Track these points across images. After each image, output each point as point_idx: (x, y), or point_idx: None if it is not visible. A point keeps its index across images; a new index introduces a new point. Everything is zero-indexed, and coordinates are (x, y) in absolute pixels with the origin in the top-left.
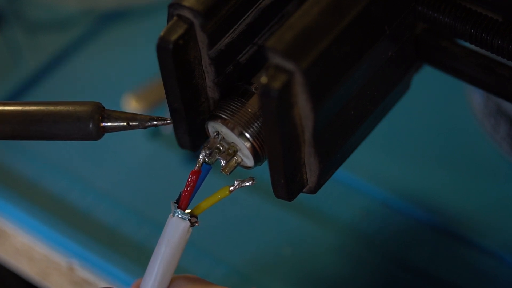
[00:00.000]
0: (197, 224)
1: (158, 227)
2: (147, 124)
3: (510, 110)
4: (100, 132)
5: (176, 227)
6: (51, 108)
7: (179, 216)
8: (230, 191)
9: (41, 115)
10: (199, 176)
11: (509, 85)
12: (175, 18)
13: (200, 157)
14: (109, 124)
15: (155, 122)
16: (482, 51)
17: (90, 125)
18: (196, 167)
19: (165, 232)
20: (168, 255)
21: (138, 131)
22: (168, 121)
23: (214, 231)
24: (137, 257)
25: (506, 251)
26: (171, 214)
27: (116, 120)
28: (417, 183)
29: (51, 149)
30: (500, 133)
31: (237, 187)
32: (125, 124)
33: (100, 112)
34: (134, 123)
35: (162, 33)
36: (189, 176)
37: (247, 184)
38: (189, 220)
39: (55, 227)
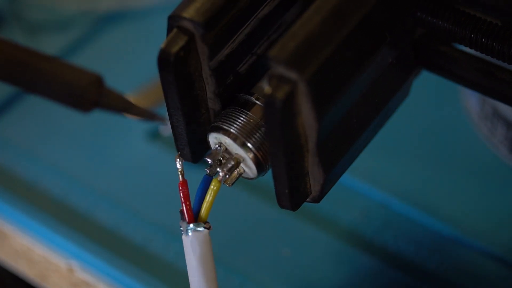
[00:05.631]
0: (211, 229)
1: (158, 229)
2: (143, 118)
3: (507, 113)
4: (90, 106)
5: (199, 242)
6: (49, 65)
7: (195, 230)
8: (220, 181)
9: (42, 69)
10: (200, 188)
11: (509, 89)
12: (175, 30)
13: (178, 166)
14: (103, 102)
15: (151, 120)
16: (482, 55)
17: (83, 95)
18: (180, 179)
19: (192, 251)
20: (207, 270)
21: (137, 133)
22: (165, 121)
23: (213, 232)
24: (137, 258)
25: (506, 253)
26: (184, 234)
27: (113, 101)
28: (416, 185)
29: (51, 149)
30: (497, 137)
31: (225, 175)
32: (120, 110)
33: (98, 86)
34: (128, 113)
35: (162, 46)
36: (179, 190)
37: (230, 165)
38: (204, 228)
39: (54, 228)
